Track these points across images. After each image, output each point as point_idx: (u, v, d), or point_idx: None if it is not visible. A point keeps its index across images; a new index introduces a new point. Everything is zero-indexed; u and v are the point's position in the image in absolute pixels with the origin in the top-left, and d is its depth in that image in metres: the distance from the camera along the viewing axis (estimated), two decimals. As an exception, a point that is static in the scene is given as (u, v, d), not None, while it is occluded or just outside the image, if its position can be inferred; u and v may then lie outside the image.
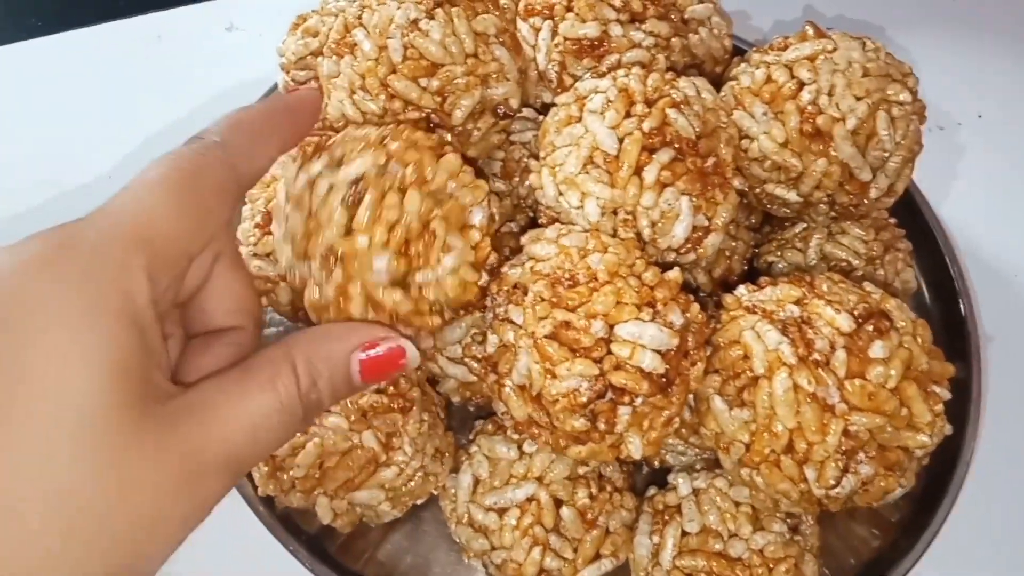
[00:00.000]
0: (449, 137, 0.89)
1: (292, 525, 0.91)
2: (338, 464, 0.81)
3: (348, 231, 0.72)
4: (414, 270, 0.74)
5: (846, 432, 0.72)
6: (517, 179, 0.97)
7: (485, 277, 0.78)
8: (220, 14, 1.42)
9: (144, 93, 1.35)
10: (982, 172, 1.34)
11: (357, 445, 0.81)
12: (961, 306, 1.08)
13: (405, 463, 0.83)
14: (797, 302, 0.77)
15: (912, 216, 1.10)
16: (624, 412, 0.74)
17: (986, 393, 1.04)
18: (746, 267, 1.01)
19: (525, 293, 0.77)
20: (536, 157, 0.91)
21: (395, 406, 0.82)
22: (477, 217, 0.78)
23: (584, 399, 0.73)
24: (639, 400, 0.74)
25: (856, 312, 0.76)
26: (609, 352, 0.71)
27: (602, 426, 0.75)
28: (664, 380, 0.75)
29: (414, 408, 0.83)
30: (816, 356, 0.73)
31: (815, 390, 0.72)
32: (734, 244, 0.99)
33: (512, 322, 0.77)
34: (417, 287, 0.75)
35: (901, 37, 1.41)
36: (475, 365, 0.90)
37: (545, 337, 0.72)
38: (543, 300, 0.75)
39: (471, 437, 0.93)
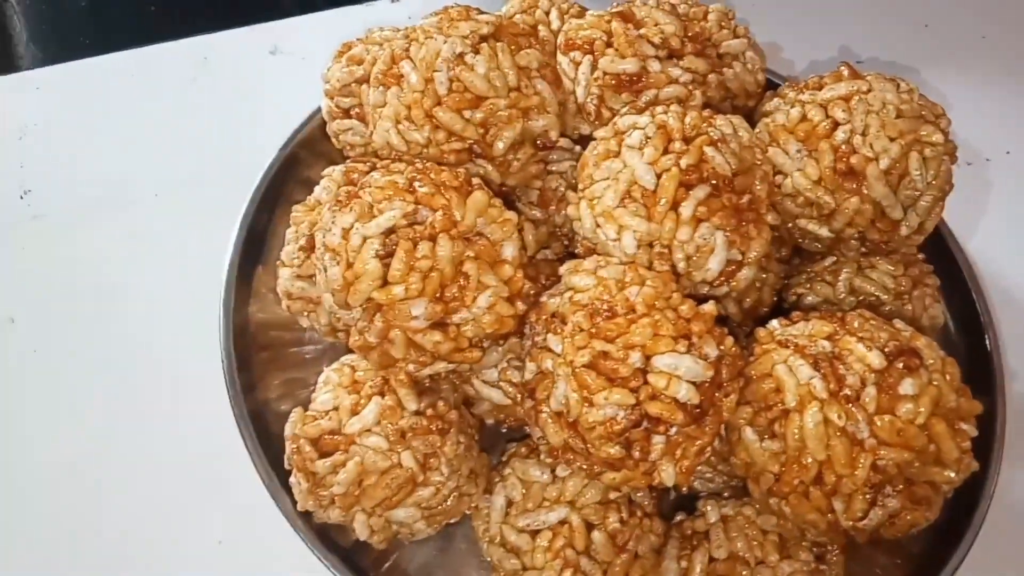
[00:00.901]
0: (490, 167, 0.92)
1: (328, 539, 0.93)
2: (377, 483, 0.82)
3: (385, 282, 0.76)
4: (451, 312, 0.78)
5: (875, 466, 0.73)
6: (553, 207, 0.99)
7: (521, 307, 0.81)
8: (264, 38, 1.46)
9: (190, 113, 1.39)
10: (1010, 207, 1.35)
11: (396, 464, 0.82)
12: (987, 341, 1.10)
13: (441, 483, 0.84)
14: (829, 337, 0.79)
15: (940, 251, 1.11)
16: (658, 441, 0.77)
17: (1010, 427, 1.05)
18: (776, 298, 1.01)
19: (564, 323, 0.79)
20: (574, 188, 0.92)
21: (434, 428, 0.83)
22: (508, 251, 0.81)
23: (620, 427, 0.75)
24: (673, 430, 0.76)
25: (887, 349, 0.78)
26: (646, 382, 0.74)
27: (637, 454, 0.77)
28: (698, 411, 0.77)
29: (452, 430, 0.85)
30: (847, 391, 0.76)
31: (845, 424, 0.74)
32: (764, 276, 0.99)
33: (551, 351, 0.79)
34: (455, 327, 0.79)
35: (933, 76, 1.43)
36: (510, 389, 0.93)
37: (583, 366, 0.75)
38: (582, 330, 0.77)
39: (503, 459, 0.95)
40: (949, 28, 1.55)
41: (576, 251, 0.92)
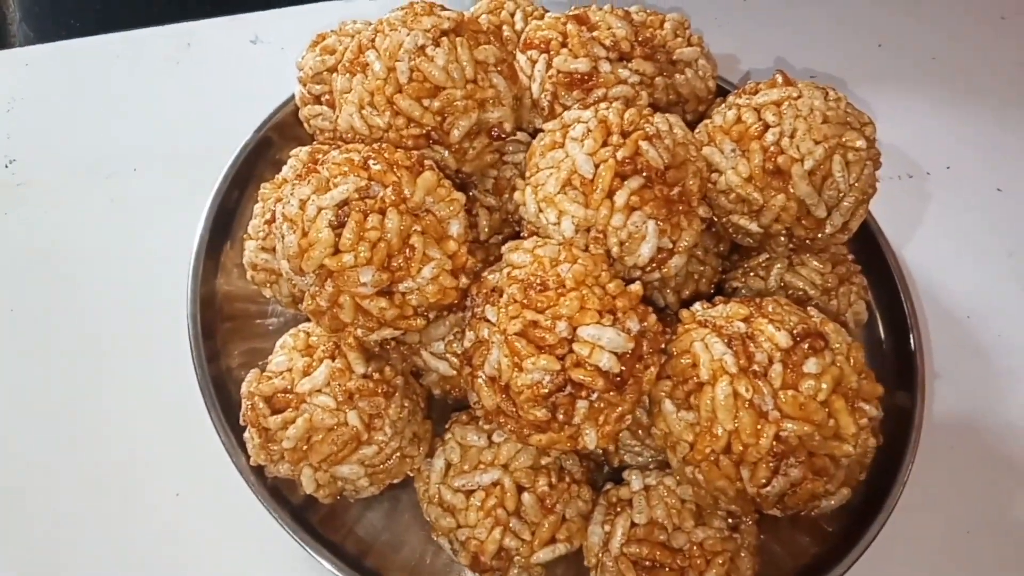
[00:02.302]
0: (446, 154, 0.97)
1: (279, 496, 0.98)
2: (324, 439, 0.86)
3: (336, 250, 0.81)
4: (397, 281, 0.83)
5: (778, 437, 0.78)
6: (507, 196, 1.02)
7: (464, 281, 0.87)
8: (246, 27, 1.52)
9: (172, 95, 1.45)
10: (946, 219, 1.41)
11: (342, 423, 0.86)
12: (911, 340, 1.16)
13: (384, 443, 0.88)
14: (744, 319, 0.85)
15: (874, 255, 1.17)
16: (581, 406, 0.82)
17: (929, 422, 1.12)
18: (713, 290, 1.06)
19: (500, 295, 0.85)
20: (523, 176, 0.98)
21: (380, 391, 0.88)
22: (454, 228, 0.86)
23: (546, 391, 0.80)
24: (595, 395, 0.82)
25: (795, 331, 0.84)
26: (571, 351, 0.78)
27: (561, 417, 0.82)
28: (619, 379, 0.82)
29: (396, 394, 0.89)
30: (755, 367, 0.80)
31: (752, 397, 0.79)
32: (702, 268, 1.04)
33: (487, 320, 0.85)
34: (401, 295, 0.84)
35: (883, 92, 1.50)
36: (456, 361, 0.95)
37: (515, 334, 0.79)
38: (515, 301, 0.83)
39: (447, 426, 1.00)
40: (902, 48, 1.62)
41: (523, 235, 0.97)
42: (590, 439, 0.83)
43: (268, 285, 1.04)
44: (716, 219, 0.99)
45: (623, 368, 0.80)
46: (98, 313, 1.21)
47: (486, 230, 1.05)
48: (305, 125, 1.18)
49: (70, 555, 1.05)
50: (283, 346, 0.96)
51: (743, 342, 0.83)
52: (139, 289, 1.22)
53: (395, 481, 0.97)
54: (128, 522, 1.06)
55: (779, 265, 1.05)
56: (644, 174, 0.87)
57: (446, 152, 0.94)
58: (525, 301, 0.80)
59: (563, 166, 0.88)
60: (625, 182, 0.86)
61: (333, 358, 0.89)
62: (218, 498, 1.05)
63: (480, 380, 0.85)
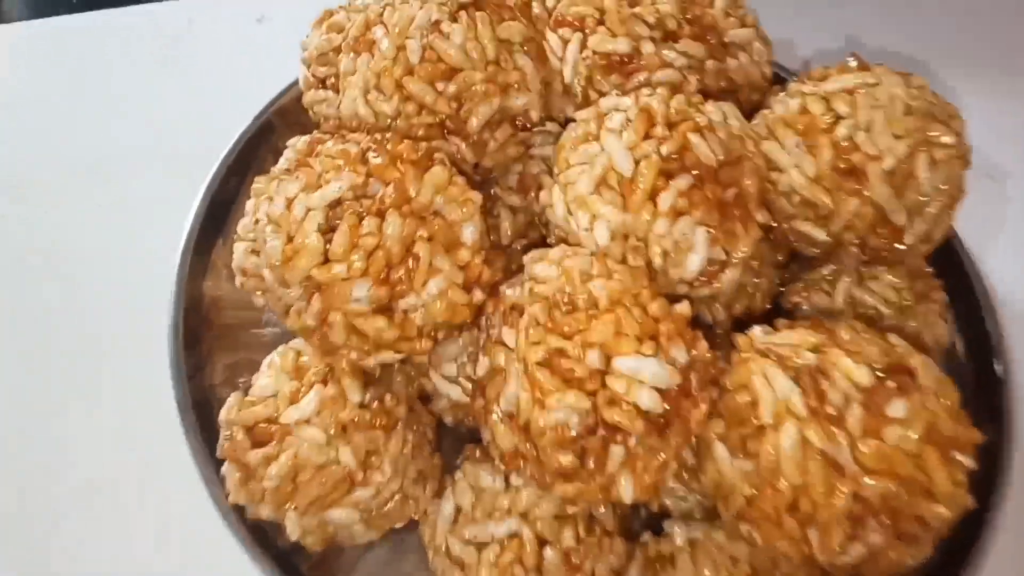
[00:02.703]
0: (463, 146, 0.85)
1: (263, 537, 0.86)
2: (312, 479, 0.76)
3: (325, 259, 0.70)
4: (397, 296, 0.71)
5: (856, 496, 0.67)
6: (533, 194, 0.92)
7: (479, 296, 0.75)
8: (252, 5, 1.40)
9: (170, 76, 1.34)
10: (1030, 227, 1.26)
11: (333, 460, 0.77)
12: (997, 366, 1.01)
13: (382, 484, 0.78)
14: (814, 349, 0.72)
15: (952, 267, 1.04)
16: (616, 452, 0.69)
17: (1019, 462, 0.97)
18: (769, 306, 0.97)
19: (521, 315, 0.73)
20: (551, 173, 0.87)
21: (378, 423, 0.78)
22: (467, 234, 0.74)
23: (574, 434, 0.68)
24: (633, 440, 0.69)
25: (877, 366, 0.71)
26: (604, 385, 0.68)
27: (592, 464, 0.70)
28: (662, 421, 0.70)
29: (398, 426, 0.80)
30: (829, 410, 0.68)
31: (825, 447, 0.67)
32: (758, 281, 0.94)
33: (504, 345, 0.73)
34: (402, 313, 0.72)
35: (954, 78, 1.35)
36: (469, 385, 0.85)
37: (537, 364, 0.68)
38: (538, 324, 0.71)
39: (459, 462, 0.88)
40: (981, 32, 1.45)
41: (550, 241, 0.86)
42: (626, 491, 0.70)
43: (259, 293, 0.92)
44: (775, 225, 0.87)
45: (667, 407, 0.68)
46: (77, 316, 1.12)
47: (509, 233, 0.94)
48: (309, 111, 1.07)
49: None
50: (270, 366, 0.84)
51: (813, 378, 0.70)
52: (123, 291, 1.12)
53: (397, 526, 0.86)
54: (90, 561, 0.95)
55: (847, 279, 0.93)
56: (693, 172, 0.75)
57: (463, 144, 0.83)
58: (550, 324, 0.69)
59: (598, 162, 0.77)
60: (671, 182, 0.75)
61: (325, 383, 0.79)
62: (195, 536, 0.94)
63: (495, 417, 0.73)
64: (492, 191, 0.94)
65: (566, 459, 0.68)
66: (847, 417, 0.67)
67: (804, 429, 0.68)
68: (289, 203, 0.73)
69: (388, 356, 0.76)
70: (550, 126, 0.95)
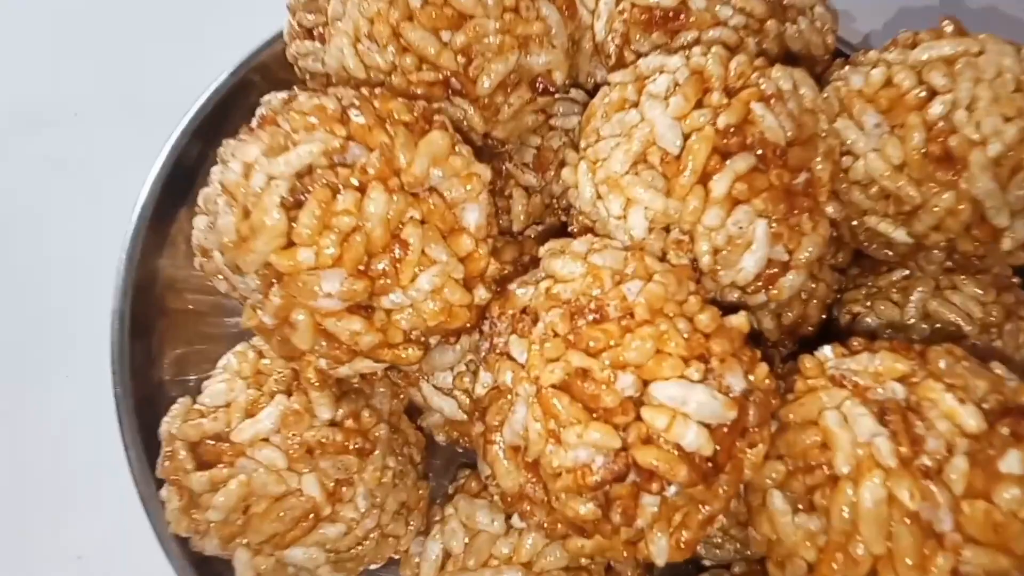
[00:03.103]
0: (471, 110, 0.73)
1: (210, 571, 0.74)
2: (267, 512, 0.66)
3: (289, 242, 0.58)
4: (379, 293, 0.60)
5: (955, 572, 0.55)
6: (553, 173, 0.85)
7: (483, 294, 0.64)
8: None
9: (134, 22, 1.20)
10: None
11: (294, 491, 0.67)
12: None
13: (355, 521, 0.69)
14: (903, 379, 0.61)
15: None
16: (650, 503, 0.58)
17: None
18: (824, 315, 0.87)
19: (535, 322, 0.61)
20: (576, 148, 0.76)
21: (352, 446, 0.68)
22: (471, 217, 0.63)
23: (597, 479, 0.56)
24: (672, 489, 0.57)
25: (986, 405, 0.58)
26: (639, 418, 0.57)
27: (617, 517, 0.57)
28: (710, 466, 0.58)
29: (377, 451, 0.69)
30: (925, 461, 0.57)
31: (918, 508, 0.56)
32: (814, 286, 0.85)
33: (512, 359, 0.61)
34: (384, 313, 0.61)
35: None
36: (467, 400, 0.77)
37: (553, 387, 0.57)
38: (556, 336, 0.59)
39: (450, 491, 0.76)
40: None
41: (571, 230, 0.75)
42: (659, 551, 0.59)
43: (221, 277, 0.79)
44: (843, 220, 0.77)
45: (718, 448, 0.57)
46: (14, 293, 0.99)
47: (522, 218, 0.86)
48: (294, 66, 0.94)
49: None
50: (225, 369, 0.72)
51: (904, 418, 0.58)
52: (67, 269, 0.99)
53: (373, 567, 0.75)
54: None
55: (922, 288, 0.83)
56: (757, 152, 0.66)
57: (470, 108, 0.73)
58: (571, 337, 0.58)
59: (636, 135, 0.67)
60: (728, 162, 0.65)
61: (289, 394, 0.68)
62: (131, 566, 0.82)
63: (497, 449, 0.61)
64: (504, 167, 0.86)
65: (585, 509, 0.58)
66: (948, 471, 0.56)
67: (891, 483, 0.57)
68: (247, 169, 0.60)
69: (366, 366, 0.64)
70: (575, 93, 0.87)
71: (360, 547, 0.70)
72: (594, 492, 0.57)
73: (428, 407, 0.77)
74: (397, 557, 0.75)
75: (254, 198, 0.58)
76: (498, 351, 0.62)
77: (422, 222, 0.60)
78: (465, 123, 0.74)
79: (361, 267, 0.58)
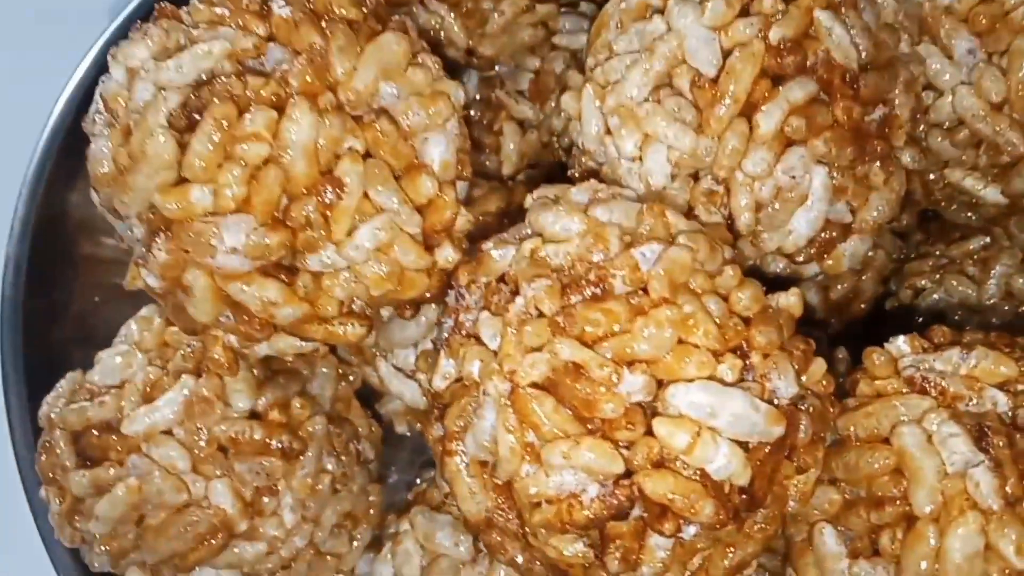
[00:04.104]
0: (450, 17, 0.65)
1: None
2: (163, 525, 0.54)
3: (179, 177, 0.46)
4: (304, 248, 0.47)
5: None
6: (553, 104, 0.74)
7: (449, 254, 0.51)
8: None
9: None
10: None
11: (198, 500, 0.54)
12: None
13: (280, 539, 0.55)
14: (1006, 386, 0.49)
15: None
16: (659, 546, 0.44)
17: None
18: (880, 289, 0.77)
19: (514, 296, 0.47)
20: (582, 69, 0.63)
21: (276, 444, 0.54)
22: (435, 151, 0.50)
23: (588, 514, 0.43)
24: (692, 530, 0.44)
25: None
26: (649, 433, 0.43)
27: (615, 564, 0.44)
28: (745, 499, 0.44)
29: (309, 452, 0.56)
30: None
31: None
32: (872, 254, 0.73)
33: (482, 344, 0.47)
34: (311, 278, 0.49)
35: None
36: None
37: (534, 386, 0.44)
38: (541, 316, 0.45)
39: (410, 497, 0.63)
40: None
41: (572, 173, 0.62)
42: None
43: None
44: (919, 171, 0.66)
45: (755, 476, 0.44)
46: None
47: (513, 159, 0.76)
48: None
49: None
50: (125, 339, 0.59)
51: (1011, 441, 0.46)
52: None
53: None
54: None
55: (1007, 261, 0.73)
56: (820, 77, 0.54)
57: (449, 15, 0.66)
58: (561, 318, 0.44)
59: (660, 50, 0.55)
60: (781, 89, 0.53)
61: (199, 373, 0.55)
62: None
63: (457, 462, 0.47)
64: (493, 95, 0.76)
65: (572, 551, 0.45)
66: None
67: (992, 531, 0.44)
68: (131, 77, 0.47)
69: (289, 345, 0.51)
70: (585, 6, 0.77)
71: (287, 570, 0.57)
72: (585, 529, 0.43)
73: (386, 391, 0.65)
74: (342, 577, 0.61)
75: (137, 116, 0.45)
76: (464, 332, 0.47)
77: (365, 156, 0.46)
78: (442, 33, 0.66)
79: (277, 214, 0.45)
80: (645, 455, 0.43)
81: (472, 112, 0.74)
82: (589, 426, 0.43)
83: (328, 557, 0.61)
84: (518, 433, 0.44)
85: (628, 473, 0.43)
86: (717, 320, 0.44)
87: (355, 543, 0.61)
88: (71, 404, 0.56)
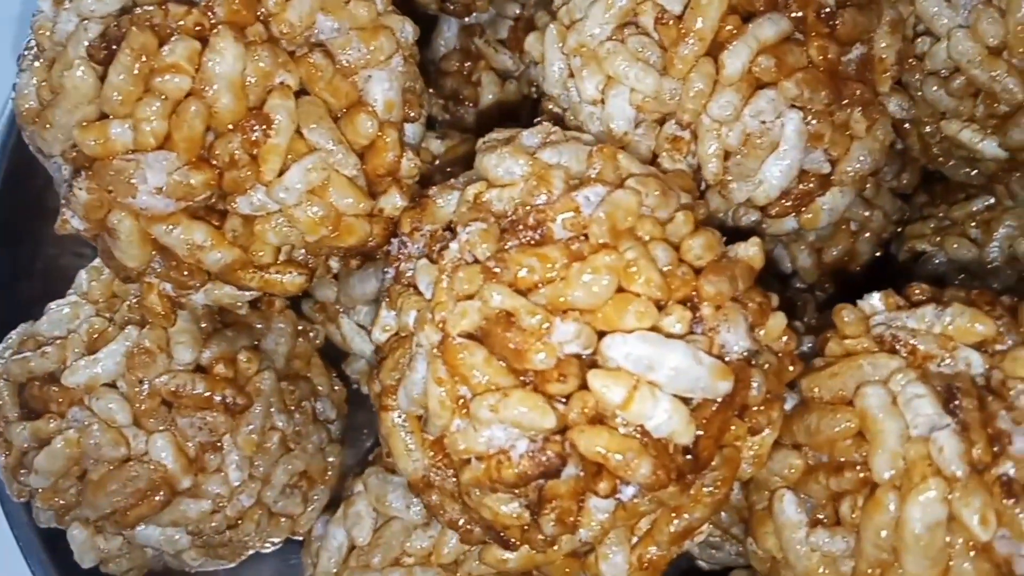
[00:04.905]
0: None
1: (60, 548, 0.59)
2: (104, 479, 0.52)
3: (100, 113, 0.44)
4: (231, 192, 0.45)
5: None
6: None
7: (395, 200, 0.48)
8: None
9: None
10: None
11: (138, 455, 0.52)
12: None
13: (225, 497, 0.54)
14: (983, 346, 0.46)
15: None
16: (600, 508, 0.42)
17: None
18: (879, 253, 0.75)
19: (452, 240, 0.44)
20: (552, 12, 0.59)
21: (220, 399, 0.52)
22: (377, 89, 0.47)
23: (516, 471, 0.40)
24: (629, 491, 0.41)
25: None
26: (584, 387, 0.41)
27: (551, 526, 0.41)
28: (689, 459, 0.41)
29: (256, 407, 0.54)
30: (1008, 470, 0.41)
31: (991, 537, 0.41)
32: (867, 213, 0.72)
33: (419, 293, 0.44)
34: (241, 221, 0.46)
35: None
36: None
37: (464, 336, 0.42)
38: (475, 261, 0.42)
39: (371, 458, 0.60)
40: None
41: (539, 121, 0.56)
42: (613, 570, 0.44)
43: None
44: (912, 124, 0.64)
45: (701, 433, 0.41)
46: None
47: (493, 109, 0.74)
48: None
49: None
50: (75, 289, 0.58)
51: (981, 404, 0.43)
52: None
53: (266, 549, 0.60)
54: None
55: (1010, 222, 0.69)
56: (793, 13, 0.51)
57: None
58: (494, 263, 0.41)
59: None
60: (750, 26, 0.50)
61: (143, 325, 0.53)
62: None
63: (394, 417, 0.45)
64: (472, 44, 0.73)
65: (507, 510, 0.42)
66: None
67: (956, 499, 0.41)
68: (57, 6, 0.45)
69: (226, 294, 0.49)
70: None
71: (235, 529, 0.55)
72: (518, 488, 0.40)
73: (350, 350, 0.62)
74: (299, 538, 0.59)
75: (60, 48, 0.42)
76: (404, 281, 0.45)
77: (300, 93, 0.43)
78: None
79: (201, 151, 0.42)
80: (580, 409, 0.40)
81: (451, 63, 0.71)
82: (522, 378, 0.40)
83: (281, 518, 0.58)
84: (448, 386, 0.41)
85: (562, 429, 0.40)
86: (664, 268, 0.41)
87: (310, 505, 0.59)
88: (17, 355, 0.53)
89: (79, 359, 0.52)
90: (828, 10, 0.50)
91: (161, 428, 0.52)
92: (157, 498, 0.52)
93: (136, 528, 0.54)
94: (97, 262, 0.58)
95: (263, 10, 0.43)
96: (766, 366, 0.44)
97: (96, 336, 0.53)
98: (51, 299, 0.68)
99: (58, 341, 0.54)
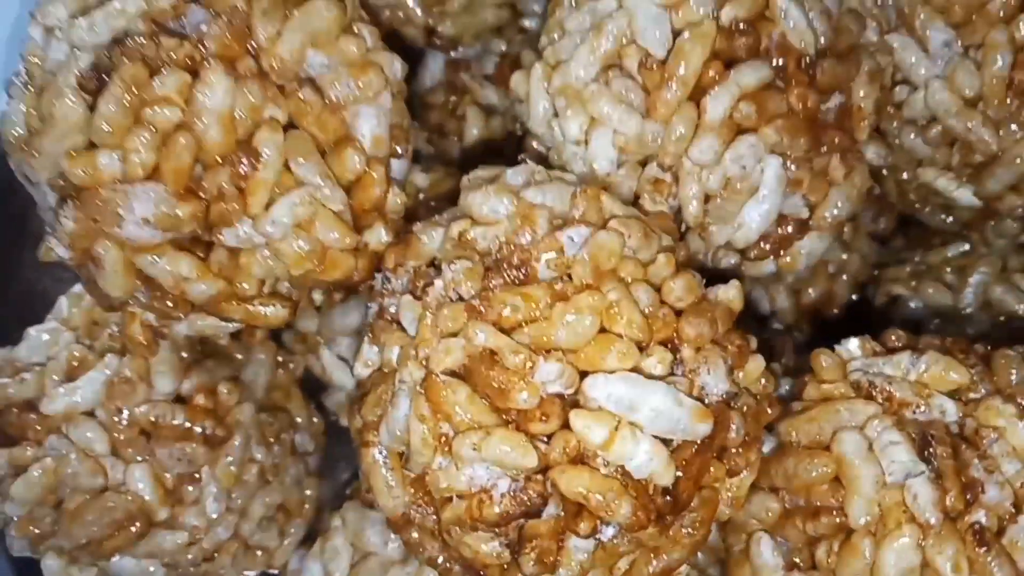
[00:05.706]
0: None
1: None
2: (80, 509, 0.52)
3: (89, 142, 0.44)
4: (218, 224, 0.44)
5: None
6: None
7: (381, 235, 0.48)
8: None
9: None
10: None
11: (116, 485, 0.52)
12: None
13: (202, 529, 0.53)
14: (958, 394, 0.47)
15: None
16: (579, 548, 0.42)
17: None
18: (856, 297, 0.76)
19: (437, 279, 0.44)
20: (538, 50, 0.59)
21: (200, 430, 0.52)
22: (366, 125, 0.47)
23: (497, 511, 0.40)
24: (609, 531, 0.41)
25: None
26: (566, 427, 0.41)
27: (531, 565, 0.41)
28: (669, 500, 0.41)
29: (235, 440, 0.54)
30: (980, 518, 0.42)
31: None
32: (845, 257, 0.73)
33: (403, 329, 0.44)
34: (227, 253, 0.45)
35: None
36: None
37: (448, 374, 0.42)
38: (459, 299, 0.42)
39: (348, 492, 0.60)
40: None
41: (523, 158, 0.57)
42: None
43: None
44: (889, 171, 0.64)
45: (680, 475, 0.42)
46: None
47: (478, 144, 0.74)
48: None
49: None
50: (55, 315, 0.57)
51: (955, 452, 0.43)
52: None
53: None
54: None
55: (984, 268, 0.70)
56: (775, 61, 0.51)
57: None
58: (479, 302, 0.41)
59: (609, 28, 0.52)
60: (731, 72, 0.50)
61: (123, 353, 0.53)
62: None
63: (375, 454, 0.45)
64: (458, 77, 0.73)
65: (487, 549, 0.42)
66: (1013, 534, 0.42)
67: (929, 546, 0.42)
68: (47, 36, 0.45)
69: (209, 324, 0.49)
70: None
71: (211, 563, 0.55)
72: (499, 528, 0.41)
73: (330, 382, 0.63)
74: (274, 571, 0.59)
75: (50, 77, 0.42)
76: (387, 317, 0.45)
77: (288, 127, 0.43)
78: (399, 11, 0.63)
79: (191, 184, 0.42)
80: (562, 449, 0.40)
81: (437, 97, 0.72)
82: (504, 417, 0.40)
83: (257, 551, 0.58)
84: (431, 423, 0.41)
85: (543, 468, 0.40)
86: (646, 310, 0.41)
87: (286, 538, 0.59)
88: (-9, 380, 0.54)
89: (58, 387, 0.52)
90: (808, 59, 0.50)
91: (139, 458, 0.52)
92: (133, 529, 0.52)
93: (111, 559, 0.54)
94: (78, 288, 0.57)
95: (254, 44, 0.43)
96: (745, 408, 0.44)
97: (76, 364, 0.53)
98: (29, 324, 0.68)
99: (37, 368, 0.54)
